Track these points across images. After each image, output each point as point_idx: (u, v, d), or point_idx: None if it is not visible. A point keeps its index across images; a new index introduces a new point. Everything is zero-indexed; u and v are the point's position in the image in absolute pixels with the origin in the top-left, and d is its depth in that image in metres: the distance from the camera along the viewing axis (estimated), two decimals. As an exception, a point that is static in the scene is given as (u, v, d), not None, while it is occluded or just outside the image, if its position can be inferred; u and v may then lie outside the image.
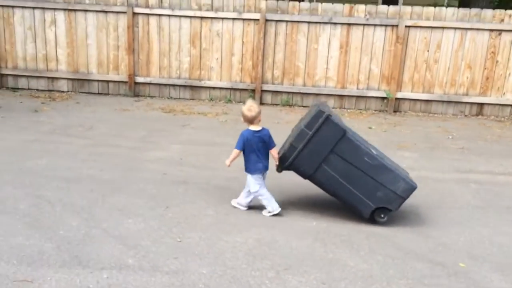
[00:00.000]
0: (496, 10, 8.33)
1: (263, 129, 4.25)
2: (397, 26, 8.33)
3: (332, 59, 8.65)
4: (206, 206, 4.44)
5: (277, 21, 8.60)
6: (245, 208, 4.39)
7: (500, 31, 8.21)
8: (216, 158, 5.69)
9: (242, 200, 4.42)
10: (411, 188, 4.18)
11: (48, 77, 9.25)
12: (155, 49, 8.99)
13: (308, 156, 4.15)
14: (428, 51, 8.43)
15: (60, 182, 4.84)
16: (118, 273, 3.22)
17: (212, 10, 8.72)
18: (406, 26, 8.29)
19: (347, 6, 8.48)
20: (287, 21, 8.59)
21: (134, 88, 9.13)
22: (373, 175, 4.16)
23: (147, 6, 8.82)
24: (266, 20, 8.56)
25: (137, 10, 8.79)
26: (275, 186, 4.66)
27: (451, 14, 8.29)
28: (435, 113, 8.70)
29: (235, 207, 4.43)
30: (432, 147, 6.80)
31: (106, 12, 8.87)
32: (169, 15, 8.81)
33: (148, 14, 8.84)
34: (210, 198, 4.61)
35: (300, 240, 3.85)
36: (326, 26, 8.53)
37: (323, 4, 8.52)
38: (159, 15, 8.82)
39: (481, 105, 8.57)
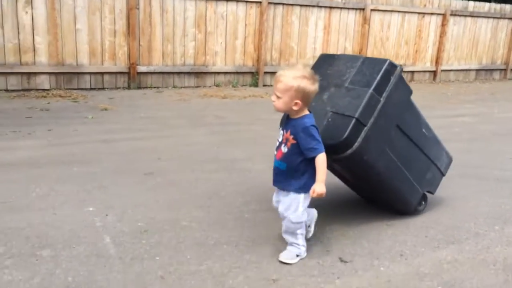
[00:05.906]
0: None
1: None
2: (363, 9, 9.95)
3: (318, 39, 9.64)
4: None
5: (275, 3, 9.03)
6: (305, 253, 2.67)
7: (424, 13, 10.78)
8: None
9: (295, 248, 2.64)
10: (450, 161, 3.35)
11: (23, 73, 7.25)
12: (157, 34, 8.14)
13: (377, 135, 2.75)
14: (382, 30, 10.36)
15: None
16: None
17: (217, -8, 8.52)
18: (370, 10, 10.00)
19: (328, -10, 9.59)
20: (283, 4, 9.12)
21: (136, 79, 8.05)
22: (427, 151, 3.11)
23: (149, -14, 7.94)
24: (268, 3, 8.90)
25: (138, -11, 7.83)
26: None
27: (395, -1, 10.39)
28: (386, 81, 10.70)
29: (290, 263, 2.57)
30: (467, 99, 8.81)
31: (100, -10, 7.58)
32: (173, -4, 8.16)
33: (150, -5, 7.97)
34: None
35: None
36: (314, 9, 9.46)
37: (310, -12, 9.39)
38: (163, -5, 8.08)
39: (412, 72, 11.03)
